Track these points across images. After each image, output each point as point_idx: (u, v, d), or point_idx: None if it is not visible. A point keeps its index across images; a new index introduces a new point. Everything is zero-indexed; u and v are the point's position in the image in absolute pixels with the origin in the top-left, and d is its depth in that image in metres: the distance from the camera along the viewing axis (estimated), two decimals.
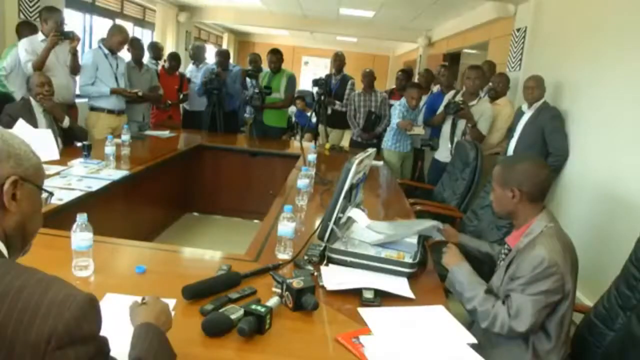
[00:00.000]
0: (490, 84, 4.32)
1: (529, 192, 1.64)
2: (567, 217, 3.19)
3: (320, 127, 4.96)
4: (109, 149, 3.07)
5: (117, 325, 1.09)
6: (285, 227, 1.75)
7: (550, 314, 1.56)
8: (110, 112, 4.11)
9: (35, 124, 3.10)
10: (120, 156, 3.21)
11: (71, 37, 3.72)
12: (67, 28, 3.84)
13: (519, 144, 3.59)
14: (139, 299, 1.13)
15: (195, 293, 1.40)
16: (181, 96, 5.17)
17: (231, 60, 5.66)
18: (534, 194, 1.64)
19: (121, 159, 3.18)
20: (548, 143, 3.42)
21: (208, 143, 4.34)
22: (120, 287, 1.42)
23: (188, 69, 5.68)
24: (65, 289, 0.71)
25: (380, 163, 4.04)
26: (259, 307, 1.28)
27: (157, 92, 4.69)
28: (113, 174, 2.78)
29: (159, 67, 5.17)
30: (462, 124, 3.94)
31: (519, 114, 3.73)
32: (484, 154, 3.42)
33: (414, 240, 1.94)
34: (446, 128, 4.08)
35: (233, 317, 1.26)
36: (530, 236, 1.61)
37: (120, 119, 4.17)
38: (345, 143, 5.21)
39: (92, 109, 4.11)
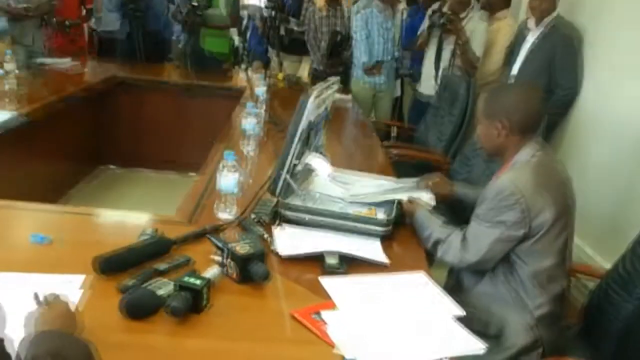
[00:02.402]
0: None
1: (519, 122, 1.73)
2: (580, 165, 3.25)
3: (272, 54, 4.87)
4: None
5: (9, 312, 1.07)
6: (227, 180, 1.74)
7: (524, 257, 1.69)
8: None
9: None
10: (4, 93, 3.10)
11: None
12: None
13: (522, 73, 3.59)
14: (34, 277, 1.11)
15: (111, 265, 1.38)
16: (84, 11, 4.94)
17: None
18: (525, 124, 1.74)
19: (5, 97, 3.07)
20: (556, 73, 3.43)
21: (126, 75, 4.22)
22: (10, 263, 1.39)
23: None
24: None
25: (349, 98, 4.03)
26: (194, 280, 1.28)
27: (49, 4, 4.44)
28: None
29: None
30: (449, 46, 3.91)
31: (523, 31, 3.71)
32: (477, 86, 3.45)
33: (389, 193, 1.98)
34: (430, 53, 4.07)
35: (161, 293, 1.26)
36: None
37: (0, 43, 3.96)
38: (304, 73, 5.15)
39: None
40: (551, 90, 3.43)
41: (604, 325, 1.75)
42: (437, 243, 1.76)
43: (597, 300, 1.82)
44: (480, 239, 1.68)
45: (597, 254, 3.03)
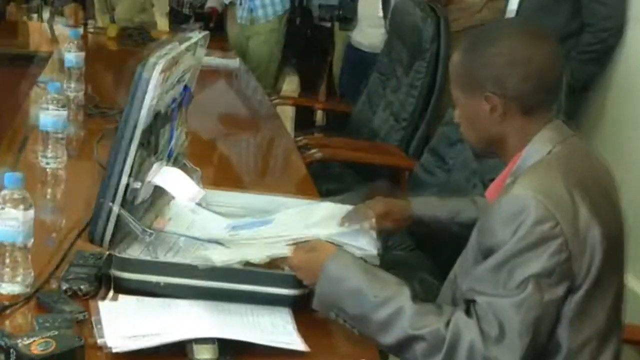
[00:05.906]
0: None
1: (519, 95, 1.72)
2: (629, 158, 3.39)
3: None
4: None
5: None
6: (11, 222, 1.72)
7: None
8: None
9: None
10: None
11: None
12: None
13: (527, 7, 3.70)
14: None
15: None
16: None
17: None
18: (530, 96, 1.74)
19: None
20: (583, 2, 3.55)
21: None
22: None
23: None
24: None
25: (234, 63, 4.04)
26: None
27: None
28: None
29: None
30: None
31: None
32: (452, 30, 3.54)
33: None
34: None
35: None
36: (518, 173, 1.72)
37: None
38: (158, 21, 5.17)
39: None
40: (577, 31, 3.55)
41: None
42: (413, 340, 1.60)
43: None
44: (510, 318, 1.55)
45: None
